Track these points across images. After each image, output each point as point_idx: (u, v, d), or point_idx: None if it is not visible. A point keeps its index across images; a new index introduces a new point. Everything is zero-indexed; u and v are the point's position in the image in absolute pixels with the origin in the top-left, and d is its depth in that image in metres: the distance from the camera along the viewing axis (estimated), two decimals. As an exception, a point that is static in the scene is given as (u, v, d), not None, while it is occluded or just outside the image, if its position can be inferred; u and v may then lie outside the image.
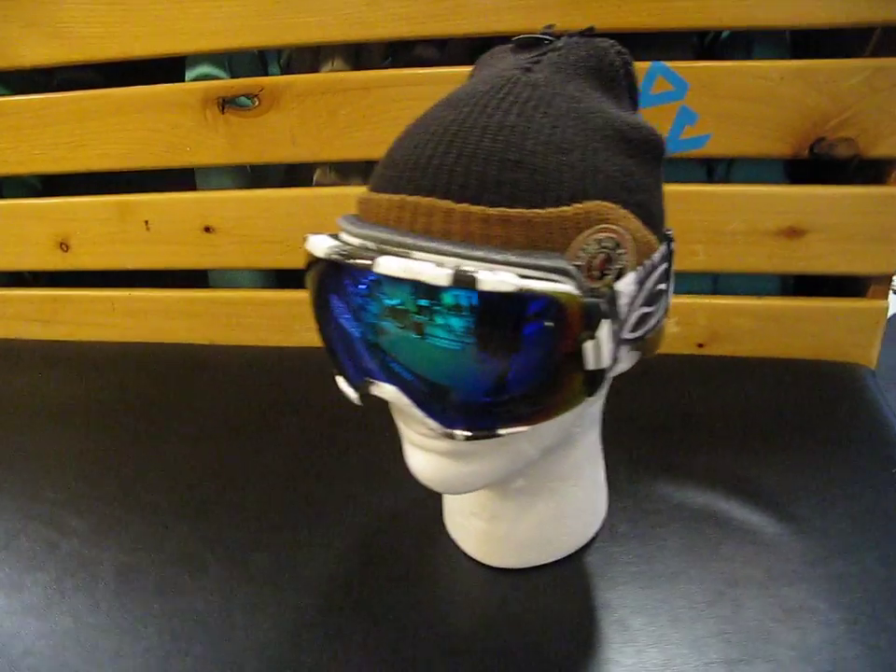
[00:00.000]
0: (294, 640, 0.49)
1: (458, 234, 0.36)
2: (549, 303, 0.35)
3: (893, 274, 0.74)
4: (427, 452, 0.43)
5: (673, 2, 0.68)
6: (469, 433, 0.39)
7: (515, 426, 0.39)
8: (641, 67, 0.69)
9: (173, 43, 0.76)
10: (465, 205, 0.36)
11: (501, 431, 0.39)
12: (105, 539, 0.59)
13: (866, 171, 0.72)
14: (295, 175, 0.91)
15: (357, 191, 0.42)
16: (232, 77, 0.80)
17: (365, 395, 0.41)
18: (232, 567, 0.55)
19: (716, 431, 0.67)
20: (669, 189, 0.45)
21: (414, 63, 0.81)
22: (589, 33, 0.45)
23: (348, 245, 0.39)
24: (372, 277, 0.39)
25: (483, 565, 0.54)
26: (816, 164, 0.73)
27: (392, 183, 0.39)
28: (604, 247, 0.37)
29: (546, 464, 0.47)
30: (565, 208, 0.36)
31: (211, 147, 0.78)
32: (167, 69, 0.82)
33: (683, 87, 0.68)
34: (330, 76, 0.74)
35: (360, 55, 0.82)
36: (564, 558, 0.54)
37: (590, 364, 0.36)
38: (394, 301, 0.38)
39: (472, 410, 0.39)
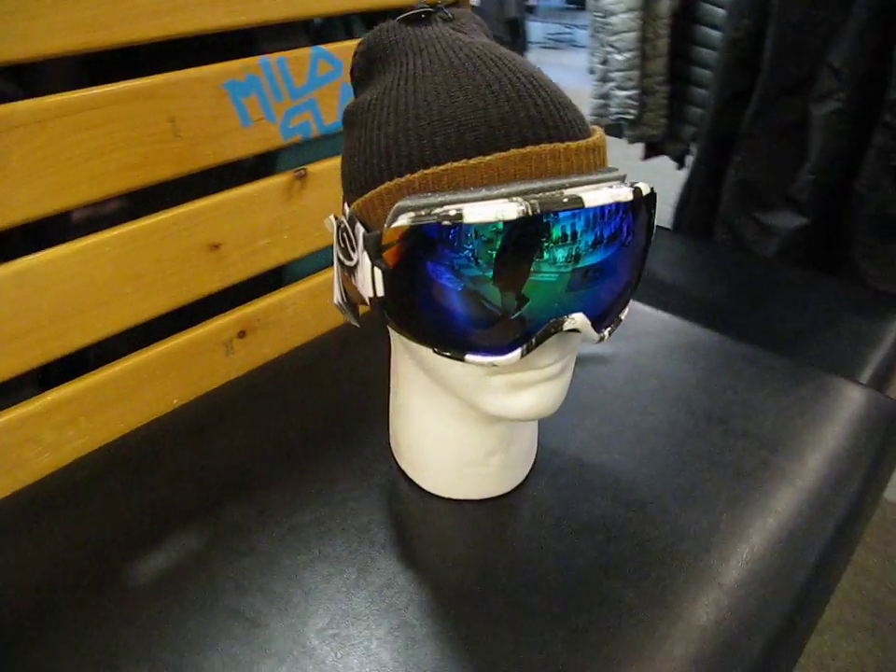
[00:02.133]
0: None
1: (577, 168, 0.42)
2: (655, 198, 0.45)
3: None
4: (539, 384, 0.47)
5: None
6: (610, 328, 0.47)
7: (625, 309, 0.48)
8: (301, 55, 0.74)
9: None
10: (572, 143, 0.42)
11: (622, 316, 0.48)
12: None
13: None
14: None
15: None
16: None
17: (539, 342, 0.43)
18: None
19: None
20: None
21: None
22: (453, 4, 0.52)
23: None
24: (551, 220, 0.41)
25: (497, 497, 0.59)
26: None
27: (490, 142, 0.41)
28: None
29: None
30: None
31: None
32: None
33: (340, 66, 0.77)
34: (-14, 112, 0.55)
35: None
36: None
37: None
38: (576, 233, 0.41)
39: (613, 308, 0.47)
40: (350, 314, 0.55)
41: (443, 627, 0.49)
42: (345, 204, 0.49)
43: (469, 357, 0.44)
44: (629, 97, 1.59)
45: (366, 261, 0.44)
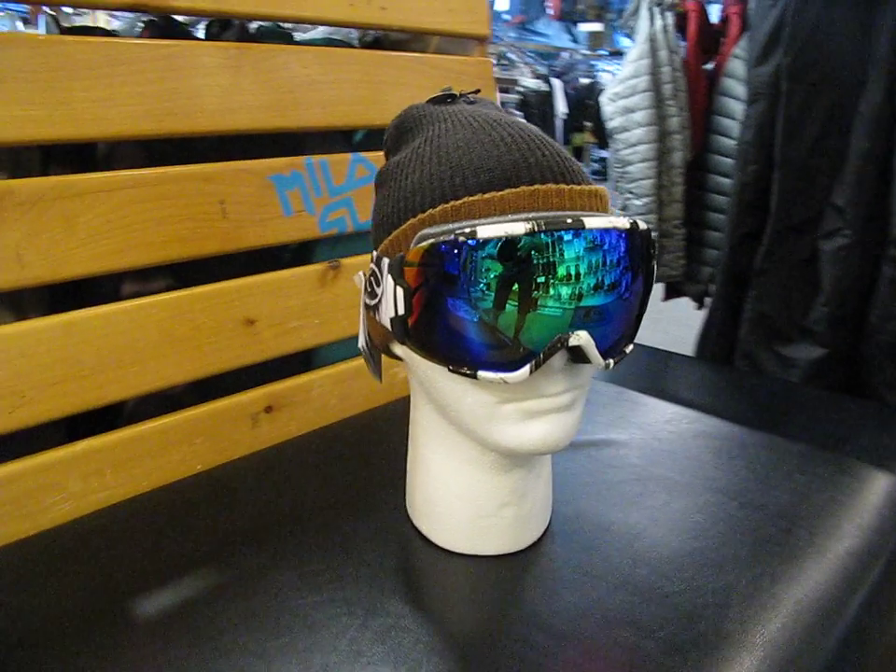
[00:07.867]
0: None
1: (580, 207, 0.47)
2: (650, 235, 0.49)
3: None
4: (550, 414, 0.49)
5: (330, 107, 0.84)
6: (615, 360, 0.49)
7: (629, 343, 0.51)
8: (342, 159, 0.82)
9: None
10: (576, 186, 0.47)
11: (627, 350, 0.50)
12: None
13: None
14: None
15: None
16: None
17: (546, 358, 0.45)
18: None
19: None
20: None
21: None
22: (475, 92, 0.60)
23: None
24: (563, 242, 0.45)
25: (510, 554, 0.58)
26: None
27: (503, 182, 0.46)
28: None
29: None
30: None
31: None
32: None
33: (375, 171, 0.85)
34: (63, 179, 0.63)
35: (20, 163, 0.70)
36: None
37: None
38: (575, 257, 0.45)
39: (622, 337, 0.49)
40: (372, 362, 0.59)
41: (449, 667, 0.48)
42: (373, 253, 0.54)
43: (481, 373, 0.46)
44: (648, 240, 1.69)
45: (389, 286, 0.48)
